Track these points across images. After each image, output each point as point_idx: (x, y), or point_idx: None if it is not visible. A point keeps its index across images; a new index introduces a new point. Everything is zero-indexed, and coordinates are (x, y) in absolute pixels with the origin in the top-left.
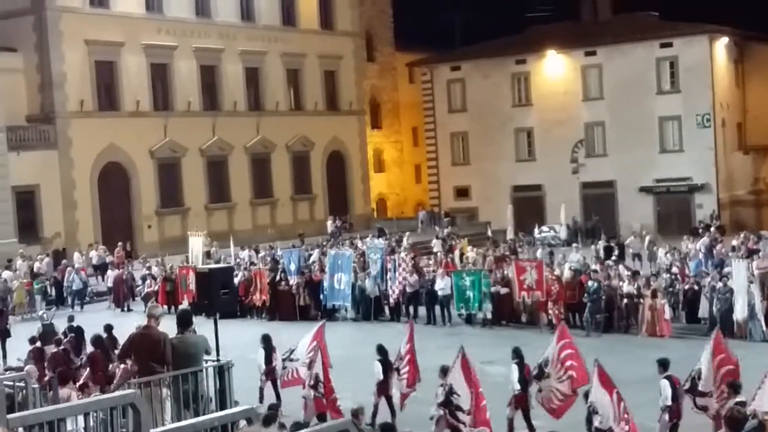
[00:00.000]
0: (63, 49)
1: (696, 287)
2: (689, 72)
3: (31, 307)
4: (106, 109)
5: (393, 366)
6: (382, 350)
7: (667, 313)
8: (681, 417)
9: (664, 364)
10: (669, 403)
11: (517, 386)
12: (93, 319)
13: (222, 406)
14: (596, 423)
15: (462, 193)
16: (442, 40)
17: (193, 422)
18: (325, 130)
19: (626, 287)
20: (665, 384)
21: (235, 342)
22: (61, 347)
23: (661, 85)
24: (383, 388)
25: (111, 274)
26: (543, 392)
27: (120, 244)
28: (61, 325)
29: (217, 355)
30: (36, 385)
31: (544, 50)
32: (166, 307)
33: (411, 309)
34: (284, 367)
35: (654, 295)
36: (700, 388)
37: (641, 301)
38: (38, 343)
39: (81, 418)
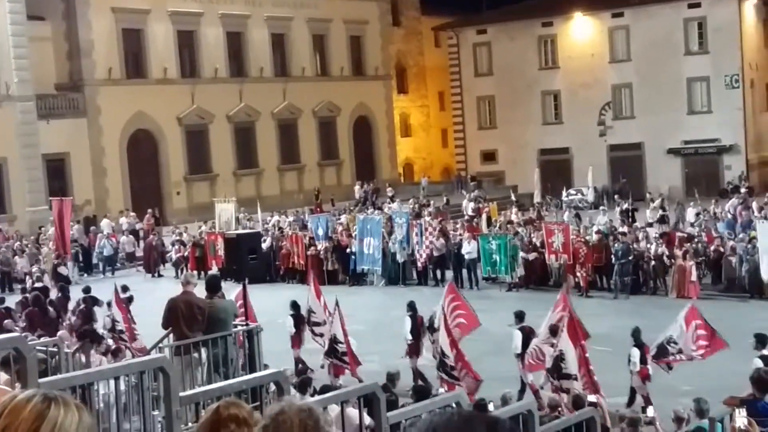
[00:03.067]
0: (90, 17)
1: (721, 249)
2: (717, 32)
3: None
4: (133, 77)
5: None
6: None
7: (694, 275)
8: (650, 379)
9: (635, 335)
10: (637, 369)
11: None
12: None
13: (251, 370)
14: (563, 368)
15: (489, 157)
16: (468, 3)
17: (222, 385)
18: (351, 95)
19: (656, 249)
20: (635, 352)
21: (264, 307)
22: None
23: (689, 45)
24: (414, 349)
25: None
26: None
27: (149, 210)
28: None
29: (246, 319)
30: (69, 351)
31: (570, 12)
32: (195, 272)
33: (438, 273)
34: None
35: (684, 257)
36: (670, 351)
37: (673, 262)
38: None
39: (112, 382)
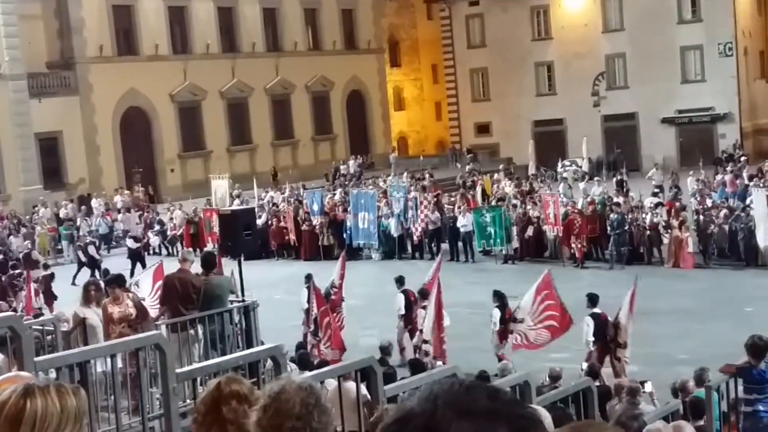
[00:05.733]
0: None
1: (715, 219)
2: (711, 0)
3: (58, 253)
4: (125, 54)
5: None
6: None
7: (691, 246)
8: (606, 356)
9: (592, 300)
10: (591, 338)
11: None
12: (117, 263)
13: (248, 345)
14: (515, 313)
15: (483, 129)
16: None
17: (218, 361)
18: (344, 69)
19: (651, 218)
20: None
21: (260, 282)
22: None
23: (682, 14)
24: (408, 321)
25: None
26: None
27: (143, 188)
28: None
29: (242, 295)
30: (65, 329)
31: None
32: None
33: (434, 246)
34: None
35: (680, 227)
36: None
37: (668, 232)
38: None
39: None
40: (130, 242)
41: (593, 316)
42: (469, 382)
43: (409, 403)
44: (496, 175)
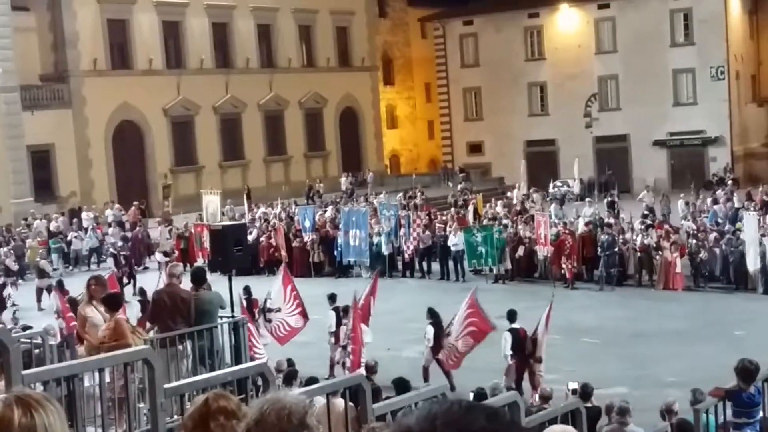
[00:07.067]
0: (75, 8)
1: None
2: (703, 24)
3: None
4: (119, 68)
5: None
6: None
7: (679, 267)
8: (524, 370)
9: (511, 316)
10: (509, 352)
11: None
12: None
13: (237, 361)
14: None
15: (475, 148)
16: None
17: (207, 377)
18: (337, 86)
19: (642, 240)
20: (507, 335)
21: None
22: None
23: (675, 37)
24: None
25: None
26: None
27: (135, 203)
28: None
29: (232, 311)
30: (53, 342)
31: (557, 3)
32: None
33: (425, 264)
34: (269, 321)
35: (671, 249)
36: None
37: (659, 254)
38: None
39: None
40: (159, 256)
41: (512, 331)
42: (468, 402)
43: (407, 421)
44: (509, 193)
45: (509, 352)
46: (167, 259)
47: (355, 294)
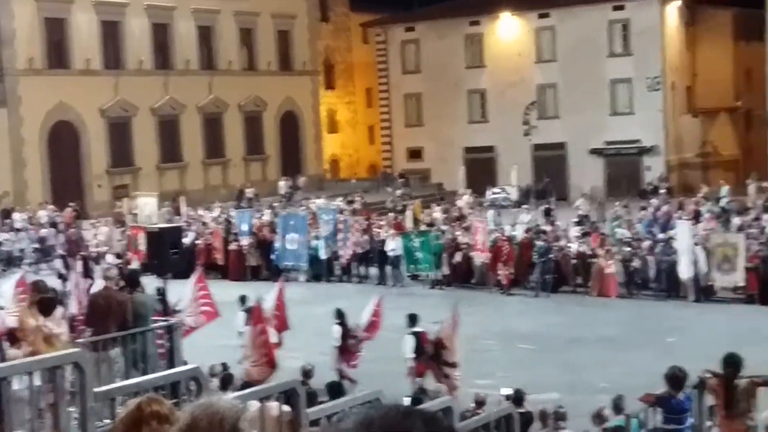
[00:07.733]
0: (12, 6)
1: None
2: (641, 35)
3: None
4: (56, 67)
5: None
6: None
7: (613, 270)
8: (425, 373)
9: (412, 319)
10: (411, 355)
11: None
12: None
13: (171, 365)
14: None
15: (415, 154)
16: (397, 0)
17: (138, 381)
18: (278, 90)
19: (577, 247)
20: (409, 338)
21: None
22: None
23: (613, 47)
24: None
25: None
26: None
27: (70, 204)
28: None
29: (166, 315)
30: None
31: (498, 12)
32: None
33: (361, 269)
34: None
35: (605, 256)
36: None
37: (594, 261)
38: None
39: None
40: (110, 258)
41: (414, 334)
42: (405, 408)
43: (344, 426)
44: (458, 201)
45: (411, 355)
46: (119, 261)
47: (259, 297)
